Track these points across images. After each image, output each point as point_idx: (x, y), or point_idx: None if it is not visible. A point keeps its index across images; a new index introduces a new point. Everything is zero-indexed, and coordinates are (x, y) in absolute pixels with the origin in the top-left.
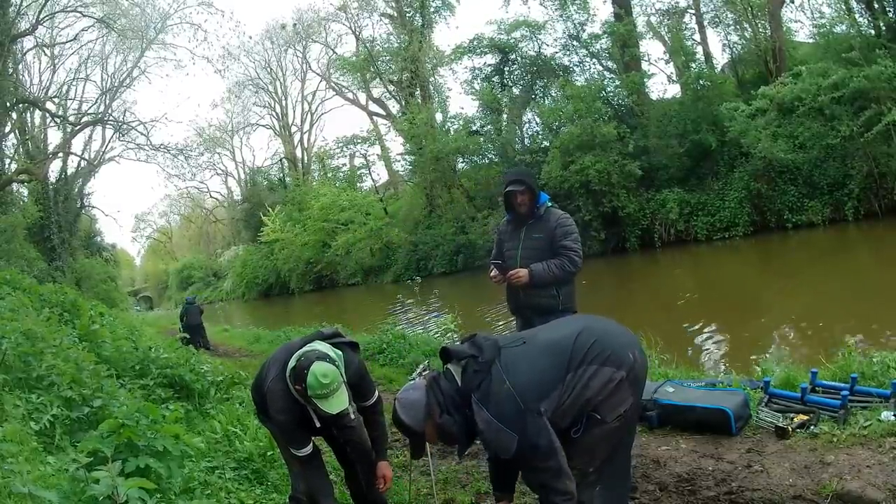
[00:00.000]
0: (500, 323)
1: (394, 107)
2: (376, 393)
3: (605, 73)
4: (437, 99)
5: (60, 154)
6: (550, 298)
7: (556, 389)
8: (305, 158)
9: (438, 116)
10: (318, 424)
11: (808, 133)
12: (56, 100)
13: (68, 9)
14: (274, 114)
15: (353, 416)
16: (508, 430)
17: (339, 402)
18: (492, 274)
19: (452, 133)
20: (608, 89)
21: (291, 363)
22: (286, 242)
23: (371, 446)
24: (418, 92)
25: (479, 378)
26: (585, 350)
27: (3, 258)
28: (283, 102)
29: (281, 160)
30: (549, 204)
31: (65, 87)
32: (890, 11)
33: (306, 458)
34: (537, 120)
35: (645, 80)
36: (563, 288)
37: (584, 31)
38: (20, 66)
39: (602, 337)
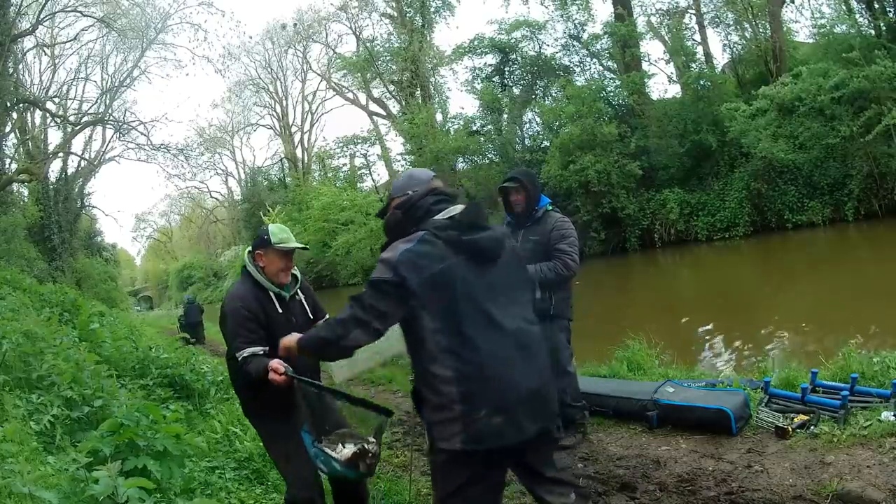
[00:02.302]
0: None
1: (394, 107)
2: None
3: (605, 73)
4: (437, 99)
5: (60, 154)
6: (540, 302)
7: (432, 325)
8: (306, 158)
9: (438, 116)
10: (279, 310)
11: (809, 133)
12: (56, 100)
13: (68, 9)
14: (274, 114)
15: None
16: (390, 267)
17: (298, 242)
18: None
19: (452, 133)
20: (608, 89)
21: (243, 254)
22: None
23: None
24: (418, 92)
25: (447, 233)
26: (482, 352)
27: (4, 258)
28: (284, 102)
29: (281, 160)
30: (549, 207)
31: (65, 87)
32: (890, 11)
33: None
34: (538, 120)
35: (645, 80)
36: (556, 293)
37: (584, 31)
38: (20, 66)
39: (511, 362)
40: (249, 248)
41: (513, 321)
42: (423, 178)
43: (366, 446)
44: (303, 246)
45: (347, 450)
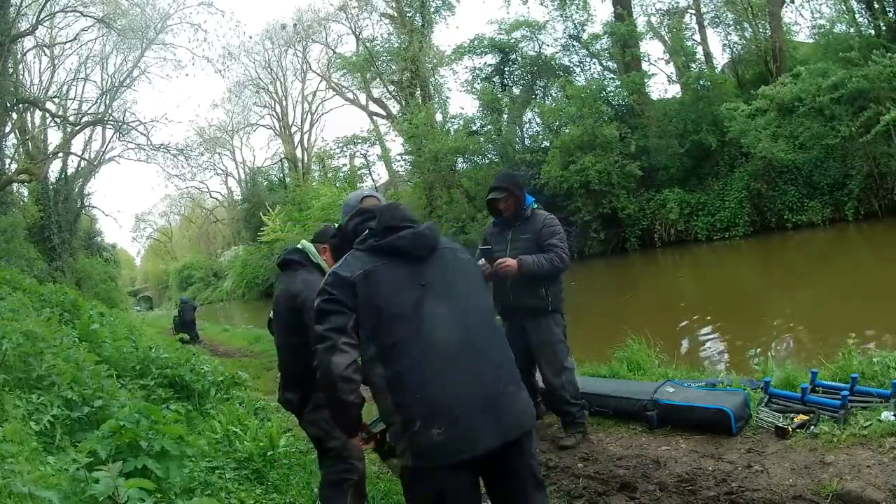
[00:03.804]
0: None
1: (394, 107)
2: None
3: (605, 73)
4: (437, 99)
5: (60, 154)
6: (539, 300)
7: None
8: (305, 158)
9: (438, 116)
10: None
11: (808, 133)
12: (56, 100)
13: (68, 9)
14: (274, 114)
15: None
16: (322, 291)
17: None
18: (478, 263)
19: (452, 133)
20: (609, 89)
21: (306, 244)
22: (286, 242)
23: None
24: (418, 92)
25: (366, 243)
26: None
27: (4, 258)
28: (284, 102)
29: (281, 160)
30: (535, 206)
31: (65, 87)
32: (890, 11)
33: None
34: (538, 120)
35: (645, 80)
36: (551, 288)
37: (584, 31)
38: (20, 66)
39: (442, 366)
40: (312, 238)
41: (446, 322)
42: (352, 203)
43: None
44: None
45: None
